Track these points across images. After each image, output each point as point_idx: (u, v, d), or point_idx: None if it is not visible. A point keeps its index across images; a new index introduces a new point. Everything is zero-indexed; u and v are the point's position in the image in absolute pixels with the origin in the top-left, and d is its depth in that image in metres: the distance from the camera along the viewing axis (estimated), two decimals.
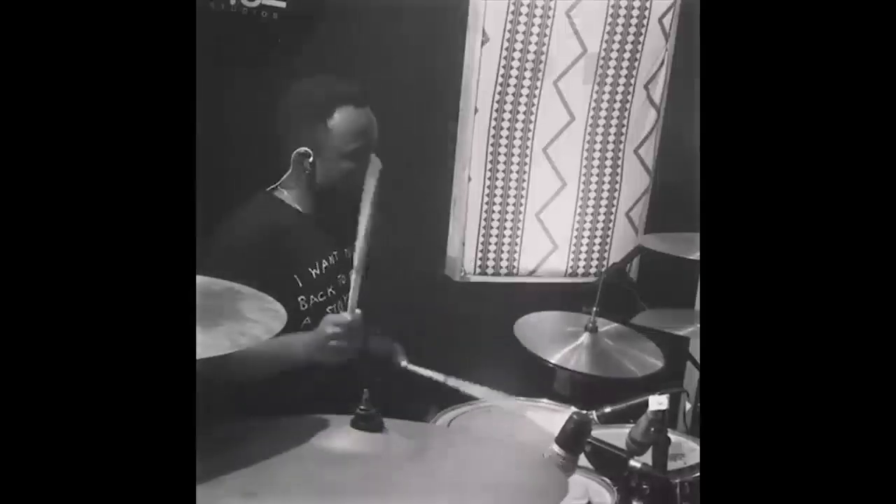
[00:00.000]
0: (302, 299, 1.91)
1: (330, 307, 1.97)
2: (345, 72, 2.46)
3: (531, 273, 2.93)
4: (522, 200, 2.85)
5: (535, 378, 2.23)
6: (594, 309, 2.09)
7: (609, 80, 2.82)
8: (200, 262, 1.81)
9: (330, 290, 1.98)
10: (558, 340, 2.08)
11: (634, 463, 1.48)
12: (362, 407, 1.19)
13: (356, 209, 1.83)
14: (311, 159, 1.93)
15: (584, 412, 1.50)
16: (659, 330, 2.22)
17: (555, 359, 2.02)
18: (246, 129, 2.40)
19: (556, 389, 2.22)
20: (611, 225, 2.99)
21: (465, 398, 1.96)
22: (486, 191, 2.80)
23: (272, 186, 1.99)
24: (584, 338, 2.08)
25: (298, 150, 1.92)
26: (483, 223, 2.83)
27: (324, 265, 1.97)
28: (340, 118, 1.92)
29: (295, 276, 1.91)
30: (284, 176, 1.97)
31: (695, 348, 2.71)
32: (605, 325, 2.14)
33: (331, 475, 1.12)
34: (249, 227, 1.91)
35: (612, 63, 2.81)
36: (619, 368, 2.04)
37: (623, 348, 2.10)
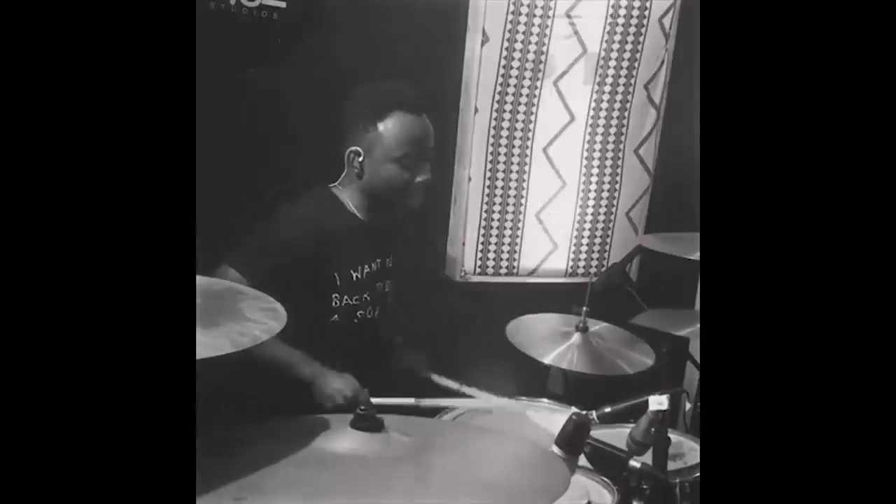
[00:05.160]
0: (336, 297, 1.96)
1: (361, 311, 2.01)
2: (345, 71, 2.48)
3: (531, 273, 2.93)
4: (522, 200, 2.85)
5: (534, 378, 2.23)
6: (584, 309, 2.10)
7: (609, 80, 2.82)
8: (257, 249, 1.91)
9: (365, 295, 2.01)
10: (550, 341, 2.09)
11: (634, 463, 1.48)
12: (362, 407, 1.19)
13: (403, 217, 2.02)
14: (360, 159, 1.98)
15: (584, 413, 1.50)
16: (660, 330, 2.22)
17: (547, 359, 2.03)
18: (246, 129, 2.40)
19: (550, 389, 2.23)
20: (611, 225, 2.99)
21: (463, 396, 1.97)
22: (486, 191, 2.80)
23: (334, 183, 2.04)
24: (576, 338, 2.09)
25: (350, 148, 1.98)
26: (483, 223, 2.83)
27: (365, 271, 2.01)
28: (392, 122, 1.95)
29: (335, 275, 1.95)
30: (343, 174, 2.03)
31: (695, 348, 2.71)
32: (595, 325, 2.15)
33: (330, 475, 1.12)
34: (305, 224, 1.95)
35: (612, 63, 2.81)
36: (612, 366, 2.05)
37: (614, 347, 2.11)
